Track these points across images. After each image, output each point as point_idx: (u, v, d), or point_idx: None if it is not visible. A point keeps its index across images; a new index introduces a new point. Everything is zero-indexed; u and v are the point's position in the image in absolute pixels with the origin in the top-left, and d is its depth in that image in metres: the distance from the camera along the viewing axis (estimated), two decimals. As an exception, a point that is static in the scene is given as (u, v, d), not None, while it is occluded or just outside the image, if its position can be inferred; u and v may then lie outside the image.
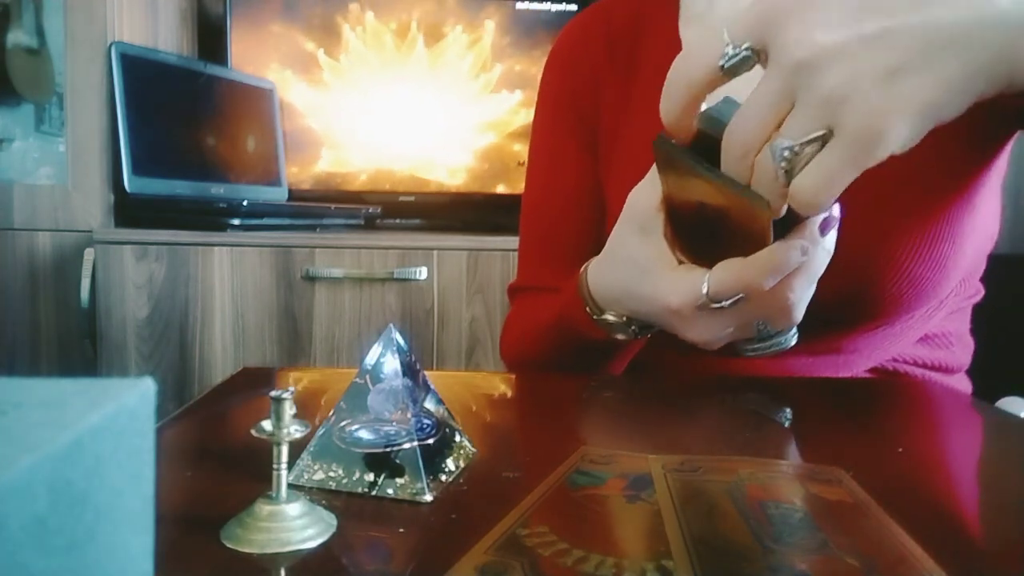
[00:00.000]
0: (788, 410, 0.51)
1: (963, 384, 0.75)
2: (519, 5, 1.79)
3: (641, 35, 0.75)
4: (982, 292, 0.75)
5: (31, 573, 0.14)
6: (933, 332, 0.70)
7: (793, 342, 0.51)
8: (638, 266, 0.52)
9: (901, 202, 0.60)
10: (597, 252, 0.58)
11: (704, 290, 0.46)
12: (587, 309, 0.59)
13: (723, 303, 0.46)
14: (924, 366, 0.70)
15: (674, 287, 0.49)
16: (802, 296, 0.47)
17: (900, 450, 0.45)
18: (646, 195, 0.51)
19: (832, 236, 0.47)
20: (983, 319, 0.78)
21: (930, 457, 0.46)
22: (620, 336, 0.58)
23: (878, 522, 0.33)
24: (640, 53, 0.74)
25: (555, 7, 1.79)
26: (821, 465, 0.39)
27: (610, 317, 0.57)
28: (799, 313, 0.49)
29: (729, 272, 0.46)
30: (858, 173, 0.38)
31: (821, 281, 0.63)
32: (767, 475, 0.39)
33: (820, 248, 0.46)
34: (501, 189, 1.81)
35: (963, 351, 0.74)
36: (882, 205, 0.60)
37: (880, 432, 0.50)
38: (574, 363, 0.64)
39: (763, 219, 0.42)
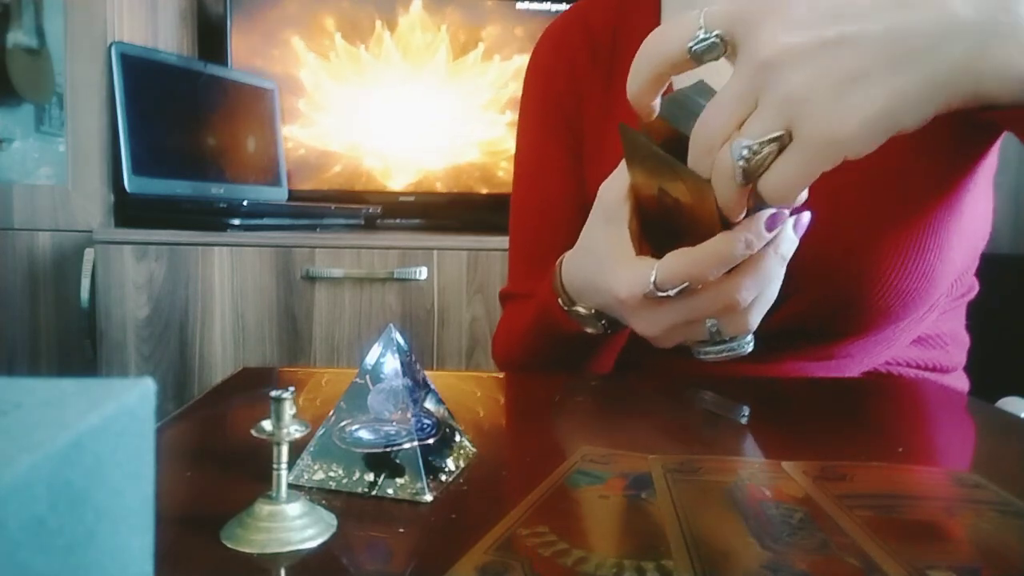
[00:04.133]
0: (746, 408, 0.50)
1: (960, 382, 0.75)
2: (519, 5, 1.79)
3: (620, 42, 0.75)
4: (976, 288, 0.74)
5: (31, 573, 0.14)
6: (926, 334, 0.70)
7: (748, 349, 0.50)
8: (598, 256, 0.52)
9: (885, 212, 0.60)
10: None
11: (652, 279, 0.47)
12: (560, 301, 0.59)
13: (668, 292, 0.46)
14: (918, 367, 0.70)
15: (623, 277, 0.49)
16: (753, 298, 0.47)
17: (900, 450, 0.45)
18: (614, 186, 0.52)
19: (789, 243, 0.46)
20: (983, 320, 0.78)
21: (929, 457, 0.46)
22: (590, 329, 0.59)
23: (879, 521, 0.33)
24: (619, 60, 0.74)
25: (555, 6, 1.79)
26: (821, 463, 0.39)
27: (580, 309, 0.58)
28: (752, 318, 0.48)
29: (675, 260, 0.46)
30: (815, 176, 0.39)
31: (808, 293, 0.62)
32: (767, 475, 0.39)
33: (772, 252, 0.46)
34: (501, 189, 1.81)
35: (957, 350, 0.74)
36: (866, 216, 0.60)
37: (879, 432, 0.50)
38: (558, 360, 0.64)
39: (711, 203, 0.43)
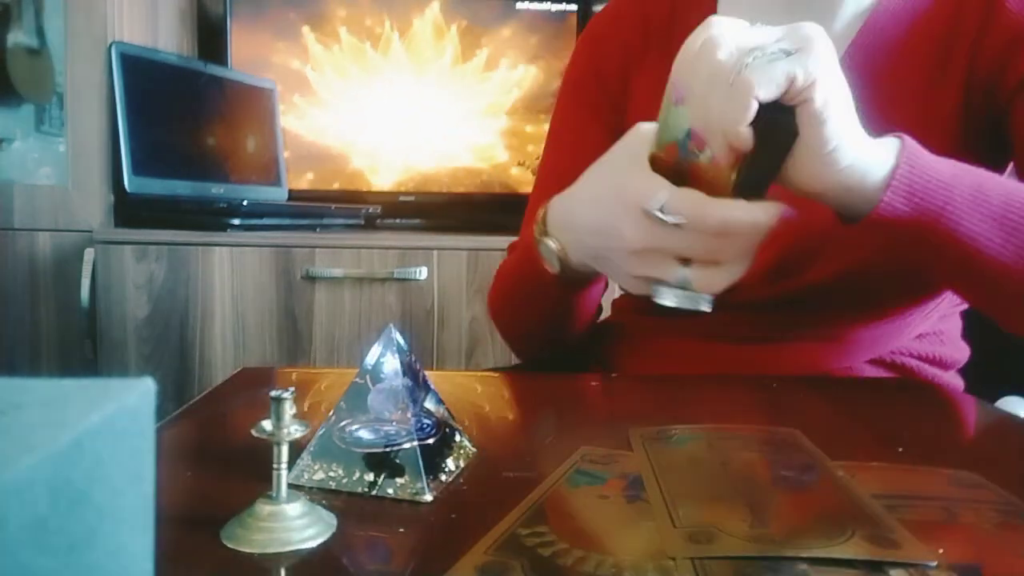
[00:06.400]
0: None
1: (955, 381, 0.77)
2: (519, 5, 1.79)
3: (677, 23, 0.75)
4: None
5: (31, 573, 0.14)
6: (927, 331, 0.73)
7: (706, 308, 0.51)
8: (615, 166, 0.54)
9: None
10: None
11: (663, 196, 0.48)
12: (535, 231, 0.61)
13: (666, 219, 0.48)
14: (920, 358, 0.72)
15: (639, 180, 0.50)
16: (734, 259, 0.49)
17: (900, 450, 0.45)
18: (644, 132, 0.53)
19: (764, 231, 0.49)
20: (983, 320, 0.78)
21: (929, 457, 0.46)
22: (547, 266, 0.61)
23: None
24: (676, 42, 0.75)
25: (555, 7, 1.79)
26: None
27: (550, 242, 0.60)
28: (719, 282, 0.50)
29: (688, 195, 0.48)
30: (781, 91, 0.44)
31: (831, 263, 0.65)
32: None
33: (756, 236, 0.48)
34: (501, 189, 1.81)
35: (955, 349, 0.76)
36: None
37: (879, 432, 0.50)
38: (528, 305, 0.68)
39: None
